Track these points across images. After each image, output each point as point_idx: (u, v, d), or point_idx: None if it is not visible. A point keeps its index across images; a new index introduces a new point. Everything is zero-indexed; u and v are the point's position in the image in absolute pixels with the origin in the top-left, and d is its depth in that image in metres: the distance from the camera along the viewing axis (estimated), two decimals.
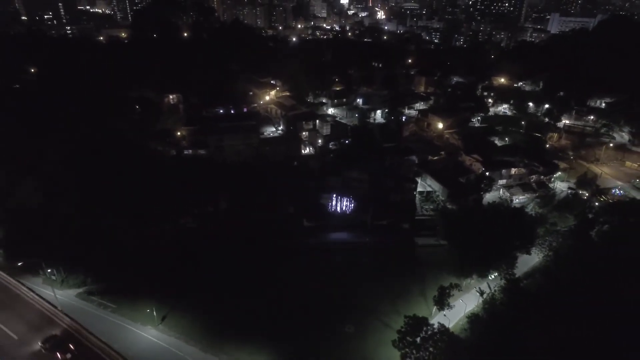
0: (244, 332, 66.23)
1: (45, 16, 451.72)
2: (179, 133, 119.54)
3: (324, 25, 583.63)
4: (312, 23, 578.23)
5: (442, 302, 67.25)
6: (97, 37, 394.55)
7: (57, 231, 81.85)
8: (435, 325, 60.11)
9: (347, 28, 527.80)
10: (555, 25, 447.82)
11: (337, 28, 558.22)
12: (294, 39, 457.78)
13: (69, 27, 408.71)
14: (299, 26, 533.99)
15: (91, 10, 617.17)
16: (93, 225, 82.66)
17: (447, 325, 62.07)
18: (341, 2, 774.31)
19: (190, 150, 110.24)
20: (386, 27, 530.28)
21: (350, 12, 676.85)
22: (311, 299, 73.02)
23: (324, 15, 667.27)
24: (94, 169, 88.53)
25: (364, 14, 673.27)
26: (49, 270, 76.48)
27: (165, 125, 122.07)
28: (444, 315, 67.11)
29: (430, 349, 56.31)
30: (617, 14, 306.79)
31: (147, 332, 66.97)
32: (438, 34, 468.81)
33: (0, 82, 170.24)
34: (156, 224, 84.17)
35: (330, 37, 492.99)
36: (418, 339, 57.86)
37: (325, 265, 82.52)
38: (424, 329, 58.96)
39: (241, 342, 64.46)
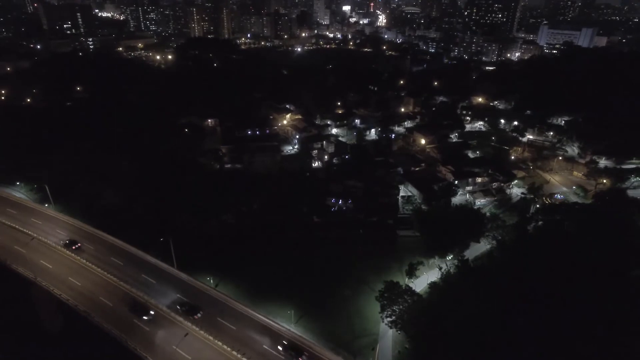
0: (275, 293, 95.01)
1: (65, 25, 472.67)
2: (220, 152, 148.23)
3: (327, 33, 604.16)
4: (316, 32, 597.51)
5: (411, 273, 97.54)
6: (117, 47, 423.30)
7: (133, 225, 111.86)
8: (404, 287, 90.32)
9: (349, 37, 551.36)
10: (544, 36, 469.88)
11: (339, 36, 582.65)
12: (299, 49, 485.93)
13: (90, 39, 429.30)
14: (303, 35, 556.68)
15: (99, 15, 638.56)
16: (161, 220, 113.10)
17: (414, 289, 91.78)
18: (343, 9, 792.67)
19: (230, 165, 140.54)
20: (386, 36, 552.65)
21: (352, 20, 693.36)
22: (319, 272, 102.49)
23: (327, 22, 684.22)
24: (158, 179, 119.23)
25: (365, 21, 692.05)
26: None
27: (208, 145, 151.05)
28: (412, 282, 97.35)
29: (399, 300, 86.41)
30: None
31: None
32: (434, 43, 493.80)
33: (53, 100, 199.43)
34: (206, 219, 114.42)
35: (333, 46, 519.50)
36: (392, 295, 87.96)
37: (329, 249, 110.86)
38: (396, 289, 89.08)
39: (273, 300, 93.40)
